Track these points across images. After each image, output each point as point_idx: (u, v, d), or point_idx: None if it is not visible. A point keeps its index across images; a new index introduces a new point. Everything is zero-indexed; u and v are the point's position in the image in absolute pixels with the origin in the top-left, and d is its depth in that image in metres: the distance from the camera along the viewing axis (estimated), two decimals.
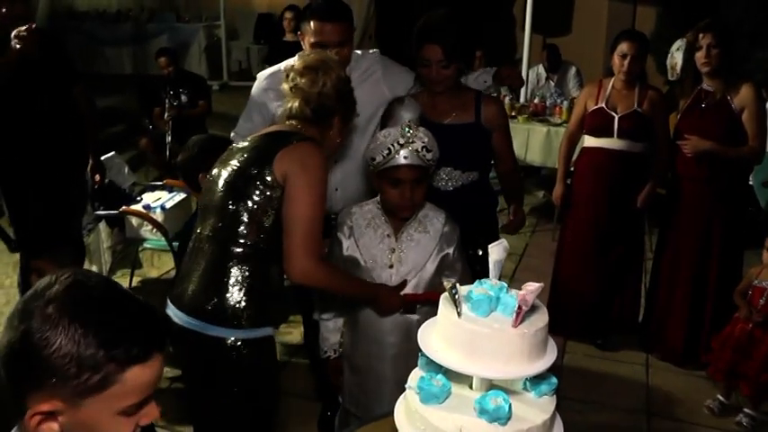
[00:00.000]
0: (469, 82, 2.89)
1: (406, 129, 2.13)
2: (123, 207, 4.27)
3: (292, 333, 3.99)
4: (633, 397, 3.60)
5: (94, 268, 4.20)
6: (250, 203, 1.95)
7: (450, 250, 2.28)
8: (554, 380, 1.49)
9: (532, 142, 6.03)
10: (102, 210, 4.40)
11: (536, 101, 6.48)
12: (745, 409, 3.37)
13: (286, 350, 3.89)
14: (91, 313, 1.08)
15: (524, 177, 7.20)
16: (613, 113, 3.76)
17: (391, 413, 1.54)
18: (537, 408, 1.44)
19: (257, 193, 1.94)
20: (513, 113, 6.23)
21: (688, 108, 3.67)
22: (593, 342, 4.09)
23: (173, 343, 2.01)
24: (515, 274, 5.11)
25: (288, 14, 6.66)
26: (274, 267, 2.01)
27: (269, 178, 1.94)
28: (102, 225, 4.39)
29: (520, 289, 1.38)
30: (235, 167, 2.01)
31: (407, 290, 2.24)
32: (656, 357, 3.94)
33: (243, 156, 2.02)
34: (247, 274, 1.97)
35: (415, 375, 1.51)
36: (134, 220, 4.26)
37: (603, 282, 4.00)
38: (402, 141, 2.12)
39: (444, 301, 1.43)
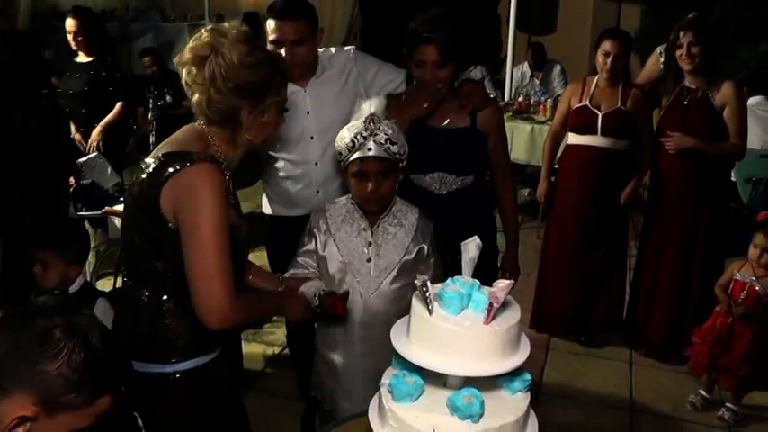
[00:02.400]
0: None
1: (370, 122, 2.14)
2: (106, 208, 4.24)
3: (275, 333, 3.98)
4: (617, 393, 3.61)
5: None
6: (154, 249, 1.77)
7: (425, 245, 2.30)
8: (528, 377, 1.49)
9: (517, 140, 5.98)
10: (85, 210, 4.37)
11: (520, 99, 6.46)
12: (727, 404, 3.39)
13: (269, 349, 3.87)
14: (89, 350, 1.25)
15: None
16: (597, 111, 3.77)
17: (367, 412, 1.54)
18: (511, 405, 1.44)
19: (160, 237, 1.75)
20: None
21: (670, 105, 3.68)
22: (577, 339, 4.10)
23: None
24: (499, 272, 5.10)
25: None
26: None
27: (164, 218, 1.72)
28: (86, 226, 4.35)
29: None
30: (133, 198, 1.82)
31: (387, 281, 2.25)
32: (639, 354, 3.96)
33: (140, 185, 1.78)
34: (171, 305, 1.80)
35: (389, 373, 1.51)
36: (117, 221, 4.23)
37: (588, 279, 4.02)
38: (365, 134, 2.13)
39: (416, 300, 1.43)
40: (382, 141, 2.13)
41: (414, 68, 2.55)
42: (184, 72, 1.78)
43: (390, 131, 2.15)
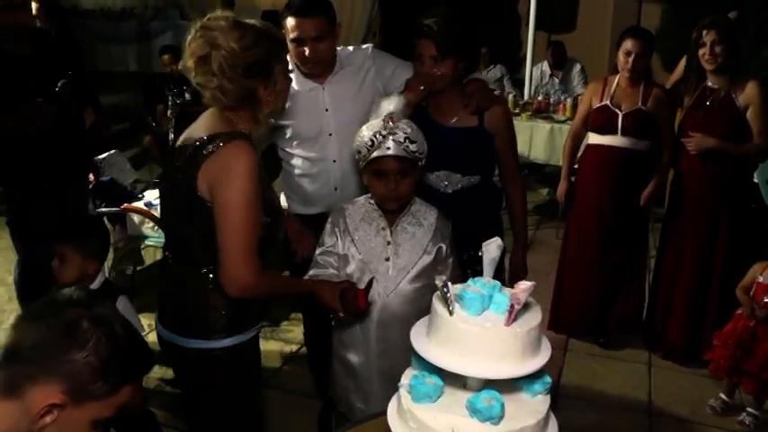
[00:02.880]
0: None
1: (388, 121, 2.13)
2: (125, 204, 4.26)
3: (293, 331, 3.99)
4: (635, 396, 3.57)
5: None
6: (194, 228, 1.87)
7: (444, 245, 2.28)
8: (548, 379, 1.47)
9: (536, 139, 6.00)
10: (104, 207, 4.40)
11: (540, 98, 6.44)
12: (749, 409, 3.34)
13: (286, 347, 3.88)
14: (115, 339, 1.28)
15: (528, 175, 7.20)
16: (617, 111, 3.73)
17: (385, 413, 1.53)
18: (531, 407, 1.43)
19: (198, 216, 1.84)
20: (517, 110, 6.22)
21: (692, 105, 3.64)
22: (595, 341, 4.06)
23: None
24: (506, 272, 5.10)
25: None
26: None
27: (201, 198, 1.82)
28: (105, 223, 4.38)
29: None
30: (171, 184, 1.93)
31: (405, 281, 2.24)
32: (658, 356, 3.92)
33: (177, 172, 1.89)
34: (213, 286, 1.90)
35: (409, 374, 1.50)
36: (135, 218, 4.25)
37: (607, 280, 3.98)
38: (384, 133, 2.12)
39: (437, 300, 1.42)
40: (401, 140, 2.12)
41: (414, 62, 2.61)
42: (193, 75, 1.86)
43: (409, 130, 2.14)
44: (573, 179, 4.05)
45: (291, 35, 2.60)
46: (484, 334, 1.34)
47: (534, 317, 1.40)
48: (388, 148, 2.12)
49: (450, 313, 1.37)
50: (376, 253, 2.24)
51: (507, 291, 1.40)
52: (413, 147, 2.14)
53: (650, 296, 4.06)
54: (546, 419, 1.43)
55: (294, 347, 3.88)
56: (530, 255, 5.35)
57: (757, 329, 3.21)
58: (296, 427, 3.15)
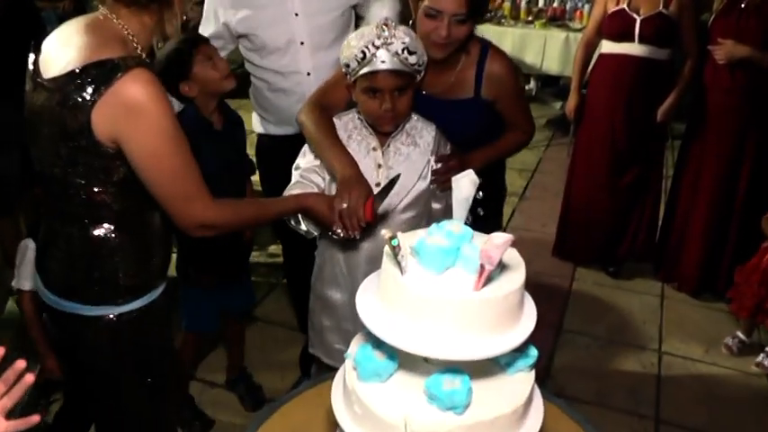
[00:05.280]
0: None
1: (383, 28, 1.78)
2: None
3: (281, 256, 3.70)
4: (645, 332, 3.30)
5: None
6: (80, 178, 1.48)
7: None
8: (534, 352, 1.16)
9: (550, 49, 5.74)
10: None
11: (555, 4, 6.15)
12: None
13: (270, 277, 3.61)
14: None
15: (541, 87, 6.87)
16: (635, 15, 3.34)
17: None
18: (507, 390, 1.12)
19: (85, 164, 1.46)
20: (530, 18, 6.08)
21: (724, 9, 3.23)
22: (604, 269, 3.81)
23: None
24: (526, 191, 4.86)
25: None
26: (141, 223, 1.60)
27: (94, 146, 1.43)
28: None
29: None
30: (50, 133, 1.48)
31: (398, 209, 1.92)
32: (672, 288, 3.65)
33: (57, 114, 1.44)
34: (115, 239, 1.55)
35: (358, 341, 1.19)
36: None
37: (618, 203, 3.69)
38: (378, 43, 1.77)
39: (386, 256, 1.09)
40: (399, 51, 1.77)
41: (422, 19, 1.92)
42: None
43: (408, 39, 1.80)
44: (584, 92, 3.71)
45: None
46: (445, 300, 1.01)
47: (514, 277, 1.08)
48: (383, 62, 1.77)
49: (402, 271, 1.05)
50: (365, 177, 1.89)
51: (480, 241, 1.07)
52: (412, 58, 1.80)
53: (664, 221, 3.77)
54: (527, 405, 1.12)
55: (276, 278, 3.60)
56: (539, 173, 5.13)
57: None
58: (277, 364, 2.94)
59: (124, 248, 1.56)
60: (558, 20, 5.99)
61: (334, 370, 2.03)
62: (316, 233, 1.87)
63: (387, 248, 1.07)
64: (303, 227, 1.84)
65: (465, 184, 1.15)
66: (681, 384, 2.97)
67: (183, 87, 2.22)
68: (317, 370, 2.36)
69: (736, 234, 3.43)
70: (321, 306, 2.13)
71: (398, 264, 1.04)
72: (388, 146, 1.94)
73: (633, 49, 3.37)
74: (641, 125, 3.50)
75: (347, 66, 1.84)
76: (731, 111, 3.29)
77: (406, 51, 1.78)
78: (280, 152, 2.49)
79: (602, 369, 3.03)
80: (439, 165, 1.96)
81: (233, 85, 2.27)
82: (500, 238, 0.98)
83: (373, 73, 1.80)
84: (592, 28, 3.61)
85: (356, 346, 1.17)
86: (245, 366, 2.81)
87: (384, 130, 1.92)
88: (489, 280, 1.03)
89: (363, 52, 1.78)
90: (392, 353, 1.12)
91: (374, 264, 1.54)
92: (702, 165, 3.45)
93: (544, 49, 5.72)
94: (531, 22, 5.91)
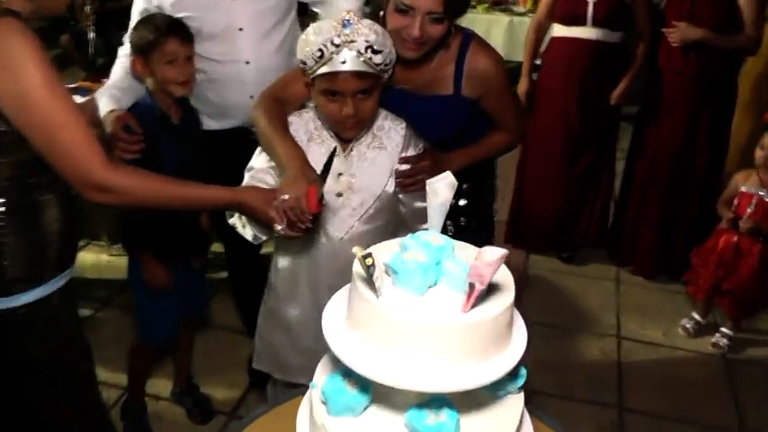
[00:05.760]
0: None
1: (344, 23, 1.59)
2: None
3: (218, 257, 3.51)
4: (602, 318, 3.27)
5: None
6: None
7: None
8: (523, 371, 1.05)
9: (494, 34, 5.66)
10: None
11: None
12: (723, 329, 3.13)
13: (213, 275, 3.41)
14: None
15: None
16: None
17: None
18: (496, 416, 1.00)
19: None
20: (473, 3, 5.77)
21: None
22: (558, 256, 3.76)
23: None
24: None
25: None
26: (36, 210, 1.47)
27: None
28: None
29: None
30: None
31: (362, 221, 1.75)
32: (627, 271, 3.63)
33: None
34: (5, 219, 1.43)
35: (324, 370, 1.06)
36: None
37: (572, 188, 3.63)
38: (338, 41, 1.58)
39: (357, 278, 0.95)
40: (362, 50, 1.58)
41: (392, 14, 1.72)
42: None
43: (373, 36, 1.61)
44: (535, 77, 3.61)
45: None
46: (428, 325, 0.89)
47: (503, 293, 0.96)
48: (344, 62, 1.59)
49: (377, 294, 0.91)
50: (325, 185, 1.71)
51: (463, 253, 0.94)
52: (377, 58, 1.61)
53: (619, 206, 3.74)
54: (518, 429, 1.01)
55: (225, 274, 3.40)
56: None
57: (741, 243, 2.95)
58: (224, 370, 2.76)
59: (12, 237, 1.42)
60: (501, 4, 5.93)
61: (291, 385, 1.92)
62: (264, 238, 1.70)
63: (358, 267, 0.93)
64: (249, 231, 1.67)
65: (441, 188, 1.02)
66: (641, 369, 2.95)
67: (136, 64, 2.08)
68: (272, 387, 2.18)
69: (689, 217, 3.42)
70: (273, 325, 1.96)
71: (373, 285, 0.90)
72: (352, 150, 1.75)
73: (586, 32, 3.29)
74: (594, 109, 3.43)
75: (303, 63, 1.66)
76: (685, 94, 3.25)
77: (370, 50, 1.60)
78: (218, 149, 2.32)
79: (562, 359, 2.97)
80: (404, 166, 1.78)
81: (184, 93, 2.13)
82: (492, 253, 0.86)
83: (333, 74, 1.61)
84: (543, 10, 3.50)
85: (323, 376, 1.03)
86: (191, 376, 2.63)
87: (345, 136, 1.74)
88: (479, 300, 0.91)
89: (321, 51, 1.60)
90: (366, 382, 0.99)
91: (338, 278, 1.38)
92: (657, 148, 3.41)
93: (489, 33, 5.62)
94: (474, 7, 5.82)
